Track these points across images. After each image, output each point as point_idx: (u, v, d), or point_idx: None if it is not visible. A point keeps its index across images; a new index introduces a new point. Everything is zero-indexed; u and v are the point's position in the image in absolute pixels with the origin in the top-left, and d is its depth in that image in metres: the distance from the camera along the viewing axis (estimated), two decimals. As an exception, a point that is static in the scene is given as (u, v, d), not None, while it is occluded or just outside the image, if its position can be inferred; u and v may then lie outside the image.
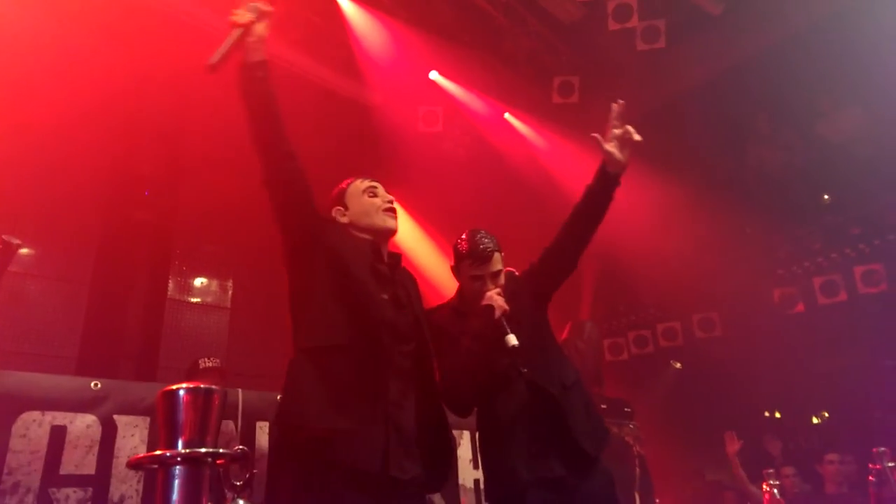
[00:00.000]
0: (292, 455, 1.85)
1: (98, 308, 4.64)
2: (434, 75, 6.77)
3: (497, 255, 2.27)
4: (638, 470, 3.78)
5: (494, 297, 2.16)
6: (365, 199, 2.19)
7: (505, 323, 2.11)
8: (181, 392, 0.79)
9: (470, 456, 3.05)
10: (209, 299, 5.28)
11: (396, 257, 2.21)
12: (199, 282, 5.29)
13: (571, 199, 2.45)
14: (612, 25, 6.11)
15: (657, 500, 3.89)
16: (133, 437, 2.14)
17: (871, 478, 3.16)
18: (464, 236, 2.31)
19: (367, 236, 2.14)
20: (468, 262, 2.25)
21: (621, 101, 2.32)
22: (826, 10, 6.28)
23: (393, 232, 2.20)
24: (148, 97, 4.87)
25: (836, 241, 6.98)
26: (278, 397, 2.10)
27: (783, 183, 7.11)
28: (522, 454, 2.10)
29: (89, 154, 4.59)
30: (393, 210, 2.20)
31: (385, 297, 2.01)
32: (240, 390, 2.42)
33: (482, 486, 2.95)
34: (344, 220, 2.18)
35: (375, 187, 2.23)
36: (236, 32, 1.88)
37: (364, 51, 6.10)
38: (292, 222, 2.03)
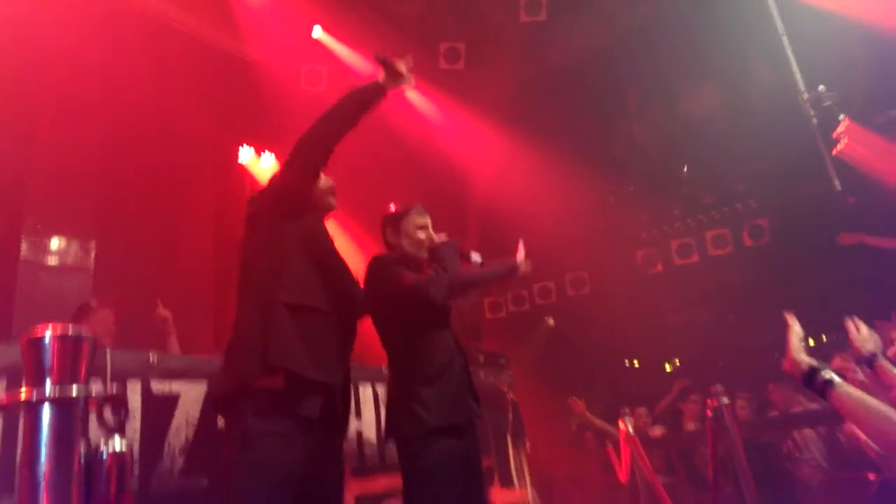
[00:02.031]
0: (250, 398, 1.98)
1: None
2: (318, 33, 6.57)
3: None
4: (511, 415, 4.06)
5: (444, 237, 2.61)
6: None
7: None
8: (46, 338, 0.78)
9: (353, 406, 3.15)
10: (69, 261, 4.86)
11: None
12: (57, 242, 4.86)
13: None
14: (497, -6, 6.23)
15: (527, 443, 4.20)
16: (-13, 402, 2.01)
17: (708, 412, 3.59)
18: (393, 205, 2.77)
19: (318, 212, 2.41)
20: (415, 214, 2.61)
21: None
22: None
23: (334, 210, 2.47)
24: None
25: (691, 208, 7.68)
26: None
27: (648, 155, 7.68)
28: (466, 391, 2.42)
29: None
30: (335, 192, 2.47)
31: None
32: (107, 350, 2.33)
33: (366, 433, 3.10)
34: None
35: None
36: (408, 73, 2.29)
37: (243, 3, 5.80)
38: (297, 190, 2.25)
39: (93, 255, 5.07)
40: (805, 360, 1.69)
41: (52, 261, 4.84)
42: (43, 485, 0.74)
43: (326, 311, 2.16)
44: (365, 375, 3.13)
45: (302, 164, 2.22)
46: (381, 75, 2.27)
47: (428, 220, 2.64)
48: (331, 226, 2.48)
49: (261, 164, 6.40)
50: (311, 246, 2.23)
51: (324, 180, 2.40)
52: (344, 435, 2.31)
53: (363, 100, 2.24)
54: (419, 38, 6.95)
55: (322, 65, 6.60)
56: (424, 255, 2.58)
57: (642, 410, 5.71)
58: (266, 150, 6.45)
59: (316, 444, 2.04)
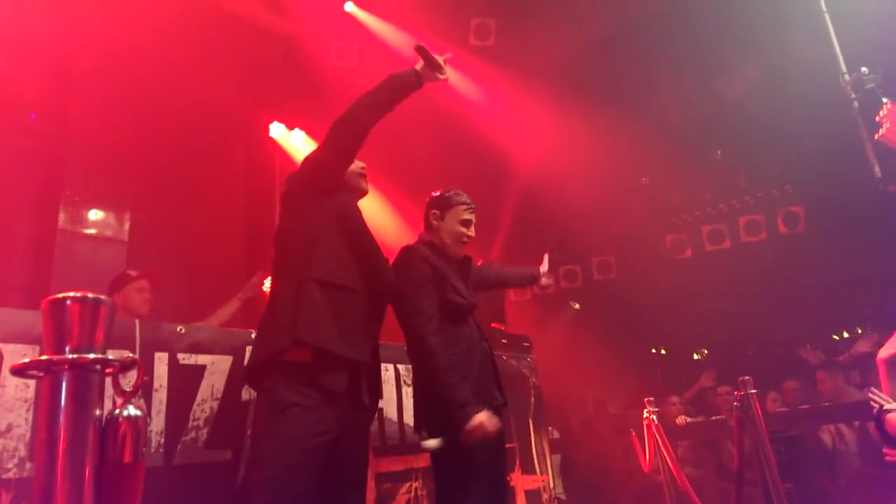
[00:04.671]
0: (279, 369, 2.04)
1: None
2: (350, 7, 6.55)
3: None
4: (533, 399, 4.05)
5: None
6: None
7: None
8: (67, 301, 0.79)
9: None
10: (105, 231, 5.00)
11: None
12: (93, 213, 4.99)
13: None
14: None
15: (549, 428, 4.19)
16: (21, 366, 2.07)
17: (735, 403, 3.54)
18: (449, 188, 2.69)
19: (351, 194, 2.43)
20: (464, 207, 2.64)
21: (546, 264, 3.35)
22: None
23: (366, 194, 2.50)
24: (34, 10, 4.43)
25: (724, 192, 7.50)
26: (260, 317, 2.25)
27: (681, 136, 7.50)
28: (487, 379, 2.49)
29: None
30: (366, 175, 2.49)
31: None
32: (136, 321, 2.37)
33: (387, 412, 3.12)
34: None
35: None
36: (445, 67, 2.36)
37: (275, -25, 5.80)
38: (332, 170, 2.29)
39: (127, 225, 5.19)
40: None
41: (89, 231, 4.96)
42: (59, 448, 0.75)
43: (356, 290, 2.20)
44: (387, 355, 3.14)
45: (338, 145, 2.25)
46: (419, 65, 2.30)
47: (473, 217, 2.66)
48: (375, 207, 2.52)
49: (291, 140, 6.43)
50: (344, 225, 2.26)
51: (356, 163, 2.43)
52: (371, 411, 2.33)
53: (400, 86, 2.28)
54: (450, 12, 6.84)
55: (353, 40, 6.58)
56: (460, 251, 2.63)
57: (675, 398, 5.69)
58: (297, 127, 6.47)
59: (342, 417, 2.08)
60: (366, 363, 2.22)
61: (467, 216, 2.64)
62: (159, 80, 5.16)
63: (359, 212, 2.39)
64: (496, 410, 2.43)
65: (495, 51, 6.84)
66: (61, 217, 4.80)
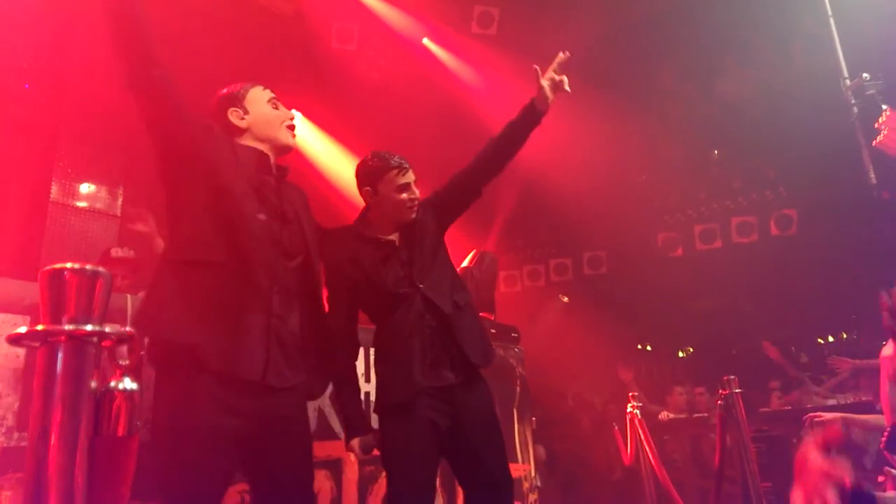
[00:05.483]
0: (161, 363, 1.80)
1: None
2: (351, -11, 6.49)
3: None
4: (518, 389, 4.08)
5: None
6: (268, 108, 2.11)
7: None
8: (65, 272, 0.79)
9: (362, 370, 3.17)
10: (97, 205, 4.97)
11: (284, 170, 2.13)
12: (85, 186, 4.95)
13: (482, 127, 2.51)
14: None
15: (533, 418, 4.23)
16: (10, 336, 2.06)
17: (718, 402, 3.58)
18: (372, 155, 2.32)
19: (260, 147, 2.07)
20: (395, 172, 2.25)
21: (567, 53, 2.40)
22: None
23: (291, 149, 2.17)
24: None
25: (718, 192, 7.54)
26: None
27: (679, 133, 7.51)
28: (418, 362, 2.17)
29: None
30: (294, 127, 2.18)
31: (263, 215, 1.95)
32: (128, 296, 2.37)
33: (372, 397, 3.11)
34: (242, 123, 2.07)
35: (277, 99, 2.15)
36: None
37: (277, -47, 5.73)
38: (162, 132, 1.94)
39: (120, 200, 5.16)
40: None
41: (81, 204, 4.94)
42: (53, 419, 0.75)
43: (224, 262, 1.84)
44: (368, 338, 3.12)
45: (127, 82, 1.86)
46: None
47: (410, 177, 2.28)
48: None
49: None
50: (208, 184, 1.90)
51: (283, 112, 2.13)
52: (297, 393, 1.98)
53: None
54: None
55: (354, 22, 6.51)
56: (410, 216, 2.29)
57: (680, 388, 5.77)
58: (293, 108, 6.41)
59: (250, 406, 1.80)
60: (277, 341, 1.88)
61: (403, 180, 2.25)
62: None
63: (241, 166, 1.98)
64: (443, 391, 2.18)
65: (497, 39, 6.80)
66: (53, 189, 4.77)
